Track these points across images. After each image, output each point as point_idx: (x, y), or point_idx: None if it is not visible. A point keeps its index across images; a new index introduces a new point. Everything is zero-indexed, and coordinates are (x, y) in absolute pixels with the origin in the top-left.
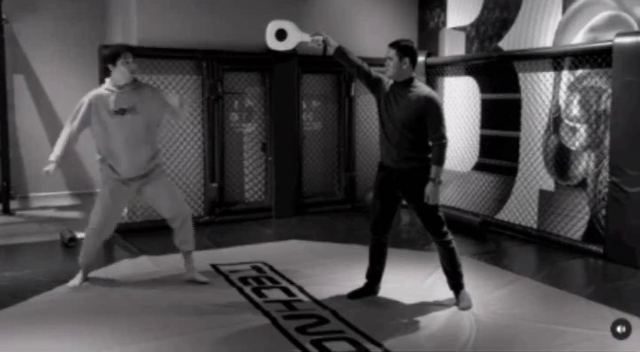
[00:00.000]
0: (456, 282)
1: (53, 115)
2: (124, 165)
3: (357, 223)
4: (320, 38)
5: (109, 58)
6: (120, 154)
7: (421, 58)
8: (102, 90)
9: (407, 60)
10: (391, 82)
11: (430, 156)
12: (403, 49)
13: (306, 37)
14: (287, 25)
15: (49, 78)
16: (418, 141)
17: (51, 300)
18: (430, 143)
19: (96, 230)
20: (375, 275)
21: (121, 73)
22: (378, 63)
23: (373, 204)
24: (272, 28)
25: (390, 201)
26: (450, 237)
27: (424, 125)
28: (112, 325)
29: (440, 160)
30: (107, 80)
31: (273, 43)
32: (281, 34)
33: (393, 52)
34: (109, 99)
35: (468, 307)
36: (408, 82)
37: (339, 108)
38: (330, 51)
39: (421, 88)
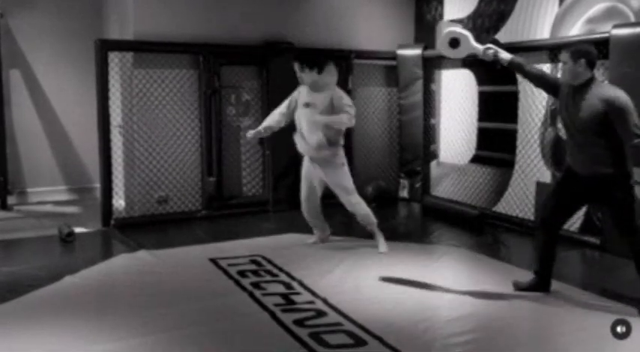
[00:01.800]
0: None
1: (50, 110)
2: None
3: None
4: (491, 52)
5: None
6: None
7: (418, 51)
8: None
9: (582, 61)
10: (567, 84)
11: (621, 159)
12: (576, 52)
13: (478, 49)
14: (462, 36)
15: (45, 73)
16: (606, 144)
17: (49, 295)
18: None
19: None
20: (543, 270)
21: (300, 77)
22: (374, 56)
23: (550, 201)
24: (448, 35)
25: (570, 203)
26: None
27: (609, 128)
28: (111, 320)
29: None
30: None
31: (446, 50)
32: (454, 43)
33: (567, 56)
34: (303, 93)
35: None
36: (587, 84)
37: None
38: (504, 63)
39: (602, 88)
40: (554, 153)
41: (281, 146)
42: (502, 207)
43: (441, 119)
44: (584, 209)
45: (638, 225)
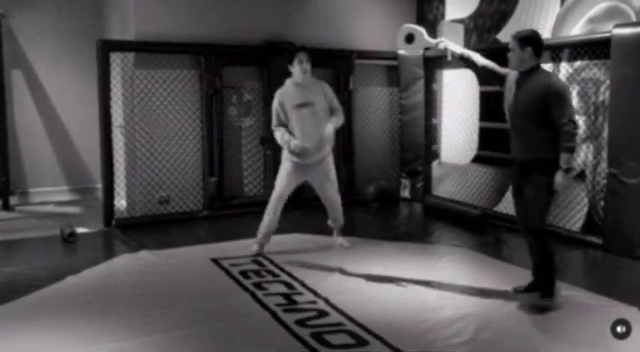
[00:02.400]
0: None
1: (51, 110)
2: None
3: (356, 216)
4: (444, 45)
5: (287, 58)
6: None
7: (419, 51)
8: (286, 86)
9: (529, 49)
10: (516, 73)
11: (550, 147)
12: (523, 39)
13: (431, 44)
14: (417, 31)
15: (46, 73)
16: (539, 131)
17: (51, 296)
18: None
19: None
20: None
21: (296, 71)
22: (376, 56)
23: (517, 205)
24: (403, 31)
25: (520, 194)
26: (542, 236)
27: (546, 114)
28: (112, 320)
29: (568, 147)
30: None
31: (402, 45)
32: (409, 38)
33: (514, 43)
34: (291, 94)
35: (525, 303)
36: (532, 71)
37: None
38: (455, 56)
39: (544, 76)
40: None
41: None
42: (503, 207)
43: (443, 119)
44: (586, 209)
45: (538, 219)
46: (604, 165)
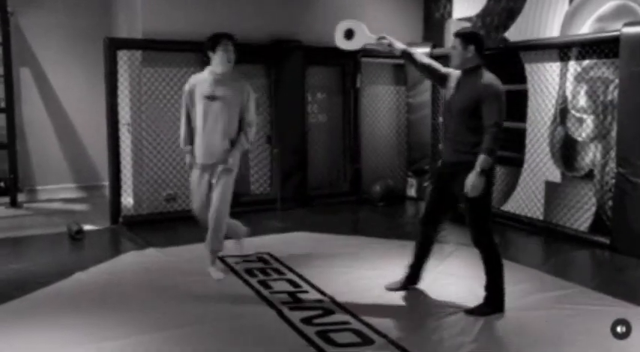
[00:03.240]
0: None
1: (59, 108)
2: (201, 147)
3: (363, 215)
4: (386, 42)
5: (207, 44)
6: (203, 136)
7: (426, 50)
8: (202, 74)
9: (471, 48)
10: (459, 73)
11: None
12: (466, 37)
13: (372, 39)
14: (355, 26)
15: (54, 70)
16: (474, 132)
17: (58, 292)
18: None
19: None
20: (417, 266)
21: (219, 59)
22: (383, 54)
23: (428, 199)
24: (341, 27)
25: (442, 195)
26: (488, 240)
27: (480, 114)
28: (119, 317)
29: (490, 150)
30: (208, 67)
31: (342, 42)
32: (349, 34)
33: (457, 41)
34: (204, 83)
35: (478, 314)
36: (474, 70)
37: (345, 100)
38: (396, 53)
39: (485, 76)
40: (564, 152)
41: (289, 144)
42: (510, 206)
43: None
44: (594, 208)
45: (490, 228)
46: (612, 164)
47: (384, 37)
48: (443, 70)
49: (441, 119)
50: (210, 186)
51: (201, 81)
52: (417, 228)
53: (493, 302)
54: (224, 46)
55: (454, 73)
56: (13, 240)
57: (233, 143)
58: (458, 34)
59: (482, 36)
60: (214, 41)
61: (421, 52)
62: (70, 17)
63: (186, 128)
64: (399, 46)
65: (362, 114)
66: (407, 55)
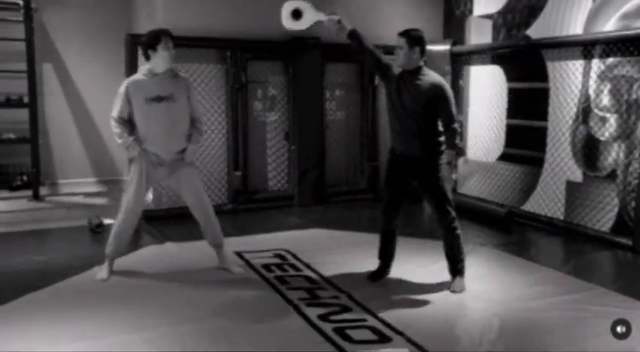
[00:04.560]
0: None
1: (81, 103)
2: (159, 150)
3: (380, 213)
4: (336, 18)
5: (147, 42)
6: (156, 140)
7: (447, 47)
8: (138, 76)
9: (417, 49)
10: (400, 69)
11: (440, 141)
12: (413, 39)
13: (321, 17)
14: (302, 5)
15: (76, 66)
16: (429, 127)
17: (79, 284)
18: (442, 129)
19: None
20: (387, 256)
21: (162, 58)
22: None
23: (385, 190)
24: (287, 7)
25: (400, 186)
26: (457, 222)
27: (434, 112)
28: (138, 309)
29: (454, 144)
30: (142, 67)
31: (289, 23)
32: (297, 14)
33: (403, 41)
34: (145, 86)
35: (459, 290)
36: (417, 70)
37: (363, 97)
38: (345, 32)
39: (430, 75)
40: (586, 151)
41: (306, 141)
42: (530, 205)
43: (469, 116)
44: (616, 209)
45: (450, 207)
46: (636, 164)
47: (334, 13)
48: (384, 61)
49: (392, 116)
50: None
51: (140, 83)
52: (380, 219)
53: (461, 269)
54: (165, 44)
55: (395, 68)
56: (36, 233)
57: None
58: (404, 35)
59: (425, 38)
60: (156, 39)
61: (368, 41)
62: (91, 14)
63: (121, 125)
64: (348, 25)
65: (380, 112)
66: (355, 36)
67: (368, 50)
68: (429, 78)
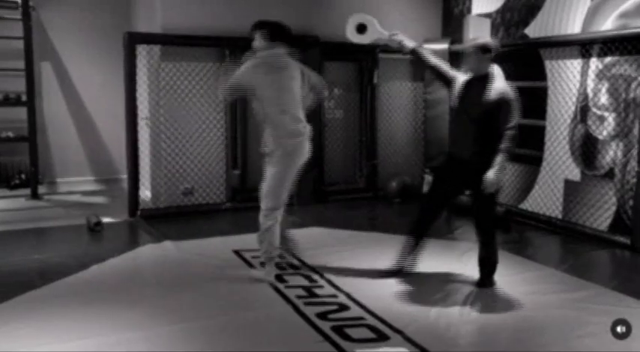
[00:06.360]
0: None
1: (79, 101)
2: None
3: (379, 211)
4: (397, 39)
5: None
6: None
7: (445, 46)
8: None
9: (486, 56)
10: (466, 76)
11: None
12: (484, 47)
13: (384, 35)
14: (368, 20)
15: (75, 65)
16: (489, 135)
17: (77, 283)
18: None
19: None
20: (411, 253)
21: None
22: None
23: (431, 190)
24: (353, 21)
25: (450, 191)
26: (494, 232)
27: (497, 119)
28: (136, 308)
29: (507, 149)
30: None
31: (353, 36)
32: (361, 28)
33: (473, 48)
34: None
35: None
36: (486, 77)
37: (361, 96)
38: (406, 51)
39: (498, 82)
40: (584, 150)
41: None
42: (529, 204)
43: None
44: (614, 208)
45: (493, 217)
46: (634, 163)
47: (395, 34)
48: (451, 73)
49: (450, 118)
50: None
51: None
52: (416, 215)
53: (492, 279)
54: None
55: (461, 76)
56: (34, 231)
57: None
58: (474, 45)
59: (497, 46)
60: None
61: (430, 51)
62: (90, 12)
63: None
64: (410, 44)
65: (379, 111)
66: (417, 54)
67: (430, 66)
68: (497, 85)
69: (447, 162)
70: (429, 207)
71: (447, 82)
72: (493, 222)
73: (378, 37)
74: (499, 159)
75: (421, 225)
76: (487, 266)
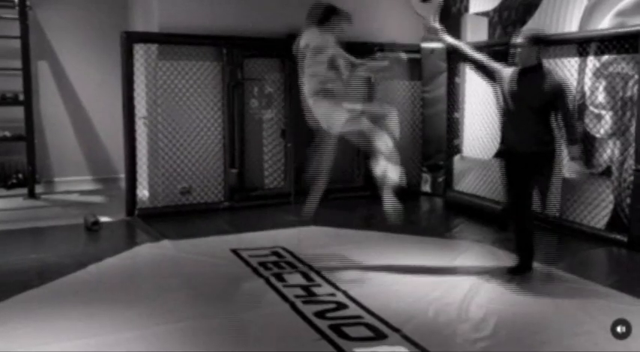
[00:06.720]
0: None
1: (76, 101)
2: None
3: (376, 210)
4: (443, 35)
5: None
6: None
7: (442, 44)
8: None
9: (536, 48)
10: (513, 68)
11: (553, 138)
12: (533, 38)
13: (436, 22)
14: None
15: (72, 64)
16: (543, 124)
17: (75, 282)
18: (561, 125)
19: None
20: (522, 251)
21: None
22: (398, 49)
23: (507, 190)
24: None
25: (521, 181)
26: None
27: (551, 109)
28: (134, 308)
29: (576, 139)
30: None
31: (416, 3)
32: None
33: (523, 40)
34: None
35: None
36: (536, 68)
37: None
38: (447, 43)
39: (549, 72)
40: (582, 148)
41: (303, 138)
42: None
43: (465, 113)
44: (611, 206)
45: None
46: (631, 161)
47: (443, 30)
48: (494, 65)
49: (500, 112)
50: None
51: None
52: (509, 219)
53: (529, 265)
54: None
55: (506, 69)
56: (31, 231)
57: None
58: (525, 35)
59: (544, 36)
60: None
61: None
62: (87, 11)
63: None
64: (449, 39)
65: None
66: (455, 50)
67: (471, 60)
68: (549, 75)
69: (505, 157)
70: (515, 208)
71: (491, 75)
72: (527, 209)
73: (435, 15)
74: (576, 148)
75: (520, 228)
76: (527, 250)
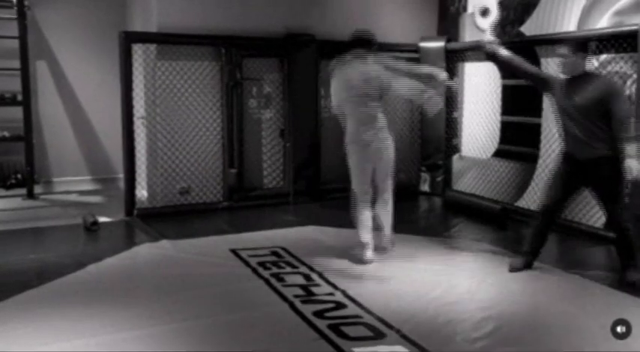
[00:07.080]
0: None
1: (75, 101)
2: None
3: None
4: (493, 49)
5: None
6: None
7: (441, 44)
8: None
9: (581, 55)
10: (563, 76)
11: (613, 143)
12: (577, 46)
13: (489, 34)
14: (493, 10)
15: (70, 64)
16: (602, 129)
17: (74, 282)
18: (618, 128)
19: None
20: (534, 251)
21: None
22: (397, 48)
23: (553, 190)
24: (479, 3)
25: (571, 189)
26: (626, 223)
27: (606, 112)
28: (133, 308)
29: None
30: None
31: (478, 17)
32: (485, 12)
33: (566, 50)
34: None
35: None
36: (585, 75)
37: None
38: (498, 57)
39: (599, 77)
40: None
41: (302, 138)
42: (525, 202)
43: (464, 112)
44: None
45: (622, 209)
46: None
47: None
48: (546, 74)
49: (557, 121)
50: None
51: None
52: (539, 218)
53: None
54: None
55: (557, 78)
56: (30, 231)
57: None
58: (569, 46)
59: (588, 44)
60: None
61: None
62: (85, 11)
63: None
64: (503, 52)
65: None
66: (506, 63)
67: (523, 73)
68: (599, 79)
69: (564, 161)
70: (552, 210)
71: (543, 85)
72: (621, 215)
73: (490, 27)
74: (634, 148)
75: (542, 232)
76: (626, 257)
